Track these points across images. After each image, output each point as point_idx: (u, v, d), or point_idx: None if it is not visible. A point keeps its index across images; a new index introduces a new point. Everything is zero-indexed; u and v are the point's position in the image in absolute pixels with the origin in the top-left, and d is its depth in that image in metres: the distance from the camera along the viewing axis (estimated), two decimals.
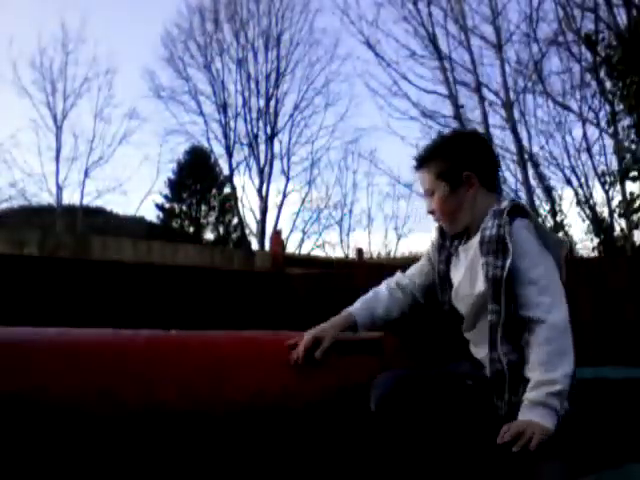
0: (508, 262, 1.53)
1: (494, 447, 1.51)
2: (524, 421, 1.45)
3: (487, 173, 1.72)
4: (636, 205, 9.89)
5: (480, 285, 1.61)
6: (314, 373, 1.65)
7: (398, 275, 1.94)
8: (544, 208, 11.96)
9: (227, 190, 21.26)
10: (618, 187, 11.20)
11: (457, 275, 1.73)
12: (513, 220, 1.57)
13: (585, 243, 11.88)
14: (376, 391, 1.53)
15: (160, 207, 22.28)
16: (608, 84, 10.45)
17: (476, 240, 1.66)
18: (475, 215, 1.68)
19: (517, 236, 1.56)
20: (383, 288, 1.89)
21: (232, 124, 18.91)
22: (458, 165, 1.69)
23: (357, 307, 1.82)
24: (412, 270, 1.92)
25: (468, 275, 1.67)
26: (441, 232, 1.81)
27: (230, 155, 19.04)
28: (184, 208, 22.37)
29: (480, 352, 1.69)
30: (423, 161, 1.75)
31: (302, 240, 19.50)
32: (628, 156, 9.71)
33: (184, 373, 1.57)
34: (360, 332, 1.80)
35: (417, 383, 1.56)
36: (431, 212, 1.76)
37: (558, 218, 11.72)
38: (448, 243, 1.78)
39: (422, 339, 1.85)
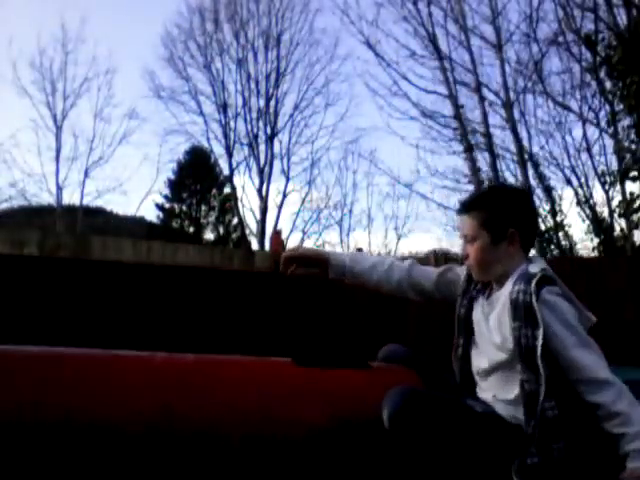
0: (539, 333, 1.55)
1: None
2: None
3: (529, 234, 1.75)
4: (636, 205, 9.89)
5: (504, 344, 1.64)
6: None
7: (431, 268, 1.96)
8: (544, 208, 11.96)
9: (227, 190, 21.26)
10: (618, 187, 11.20)
11: (479, 326, 1.75)
12: (541, 288, 1.59)
13: (585, 243, 11.88)
14: (388, 408, 1.53)
15: (160, 207, 22.30)
16: (608, 84, 10.45)
17: (501, 295, 1.68)
18: (506, 271, 1.69)
19: (549, 303, 1.58)
20: (391, 258, 1.97)
21: (232, 124, 18.89)
22: (505, 219, 1.70)
23: (341, 252, 1.90)
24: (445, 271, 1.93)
25: (495, 330, 1.68)
26: (469, 278, 1.81)
27: (230, 155, 19.01)
28: (184, 208, 22.37)
29: (484, 394, 1.73)
30: (470, 207, 1.75)
31: (302, 240, 19.49)
32: (628, 156, 9.72)
33: (190, 396, 1.58)
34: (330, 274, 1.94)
35: (429, 402, 1.57)
36: (465, 257, 1.75)
37: (558, 218, 11.72)
38: (472, 291, 1.79)
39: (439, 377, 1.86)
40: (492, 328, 1.68)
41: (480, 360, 1.74)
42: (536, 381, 1.55)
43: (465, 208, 1.75)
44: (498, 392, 1.68)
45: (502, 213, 1.70)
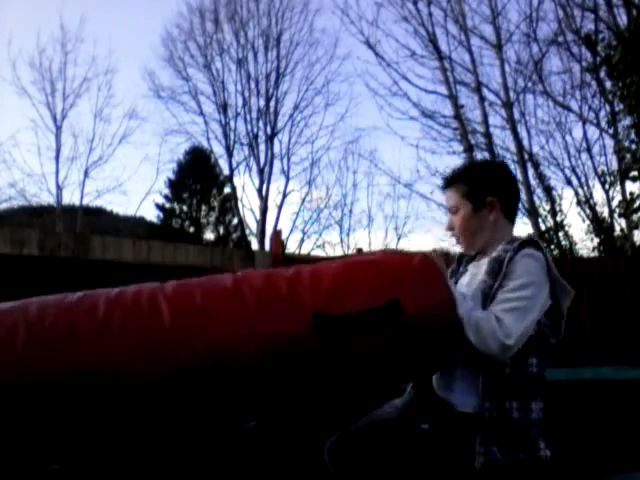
0: (497, 283, 1.60)
1: None
2: None
3: (509, 202, 1.81)
4: (636, 205, 9.90)
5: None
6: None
7: None
8: (544, 208, 11.97)
9: (227, 190, 21.26)
10: (618, 187, 11.21)
11: (464, 288, 1.77)
12: (523, 248, 1.63)
13: (585, 243, 11.89)
14: (329, 452, 1.54)
15: (160, 207, 22.31)
16: (608, 84, 10.46)
17: (484, 261, 1.73)
18: (491, 239, 1.76)
19: (517, 261, 1.61)
20: None
21: (232, 124, 18.89)
22: (483, 189, 1.78)
23: None
24: None
25: (464, 288, 1.72)
26: (460, 259, 1.88)
27: (230, 155, 19.00)
28: (184, 208, 22.38)
29: None
30: (452, 181, 1.83)
31: (302, 240, 19.51)
32: (628, 156, 9.72)
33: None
34: None
35: (368, 440, 1.54)
36: (451, 229, 1.82)
37: (558, 218, 11.73)
38: (461, 269, 1.84)
39: None
40: (467, 284, 1.73)
41: None
42: None
43: (448, 182, 1.83)
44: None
45: (482, 183, 1.78)
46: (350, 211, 19.57)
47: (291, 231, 19.04)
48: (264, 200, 18.47)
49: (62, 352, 1.31)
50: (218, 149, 19.82)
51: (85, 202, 19.11)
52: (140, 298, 1.43)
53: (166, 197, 22.28)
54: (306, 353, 1.36)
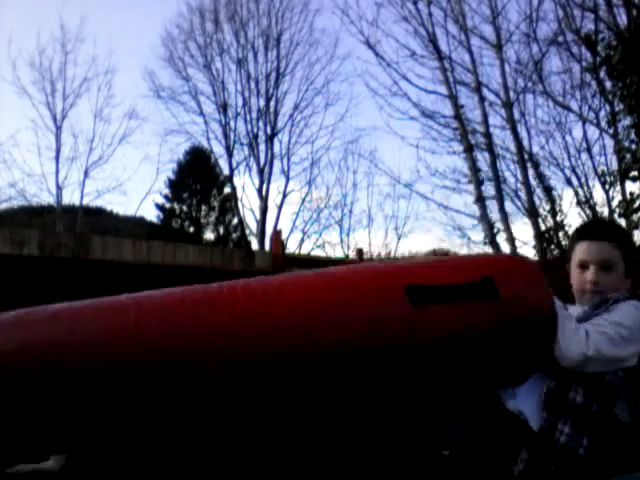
0: (595, 312, 1.63)
1: None
2: None
3: None
4: (636, 205, 9.90)
5: None
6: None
7: None
8: (544, 208, 11.96)
9: (227, 190, 21.27)
10: (618, 187, 11.21)
11: None
12: (631, 298, 1.66)
13: None
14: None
15: (160, 207, 22.32)
16: (608, 84, 10.46)
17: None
18: None
19: (622, 305, 1.63)
20: None
21: (232, 124, 18.91)
22: (633, 257, 1.82)
23: None
24: None
25: None
26: None
27: (230, 155, 19.03)
28: (184, 208, 22.39)
29: None
30: (615, 237, 1.81)
31: (302, 240, 19.50)
32: (628, 156, 9.72)
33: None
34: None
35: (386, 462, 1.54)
36: (595, 283, 1.75)
37: (558, 218, 11.72)
38: None
39: None
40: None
41: None
42: None
43: (611, 236, 1.79)
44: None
45: (632, 250, 1.84)
46: (350, 211, 19.57)
47: (291, 231, 19.05)
48: (264, 200, 18.49)
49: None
50: (218, 149, 19.82)
51: (85, 202, 19.15)
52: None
53: (166, 197, 22.30)
54: (403, 331, 1.34)
